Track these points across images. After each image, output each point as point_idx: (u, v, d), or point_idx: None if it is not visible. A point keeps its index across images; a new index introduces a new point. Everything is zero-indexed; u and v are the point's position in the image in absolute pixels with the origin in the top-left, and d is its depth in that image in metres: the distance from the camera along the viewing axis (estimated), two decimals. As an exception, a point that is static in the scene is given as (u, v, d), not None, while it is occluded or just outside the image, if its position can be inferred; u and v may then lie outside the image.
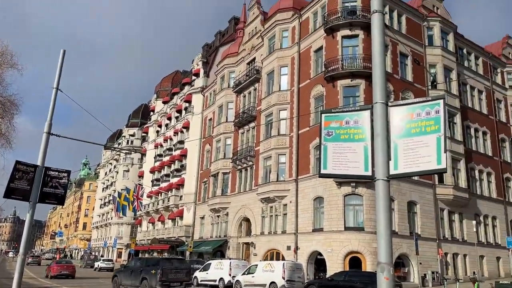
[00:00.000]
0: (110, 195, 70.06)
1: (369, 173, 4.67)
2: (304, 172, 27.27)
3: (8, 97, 24.70)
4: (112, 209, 60.35)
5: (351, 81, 25.49)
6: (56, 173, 9.48)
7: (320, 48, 28.12)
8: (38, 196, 9.02)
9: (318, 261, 25.28)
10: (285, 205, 28.29)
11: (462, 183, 28.33)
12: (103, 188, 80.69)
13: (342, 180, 23.35)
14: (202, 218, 39.94)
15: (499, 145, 33.51)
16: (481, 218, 29.93)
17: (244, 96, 36.32)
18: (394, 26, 28.02)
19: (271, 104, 30.77)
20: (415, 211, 25.99)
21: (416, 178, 25.38)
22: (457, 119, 29.33)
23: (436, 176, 26.18)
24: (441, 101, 4.43)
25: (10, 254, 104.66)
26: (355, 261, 22.83)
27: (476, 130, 31.85)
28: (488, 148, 32.52)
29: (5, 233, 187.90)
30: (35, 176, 9.03)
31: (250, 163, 33.20)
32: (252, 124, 34.28)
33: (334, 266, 22.82)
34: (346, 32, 26.40)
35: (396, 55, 27.67)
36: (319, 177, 5.06)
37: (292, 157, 28.49)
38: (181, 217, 43.94)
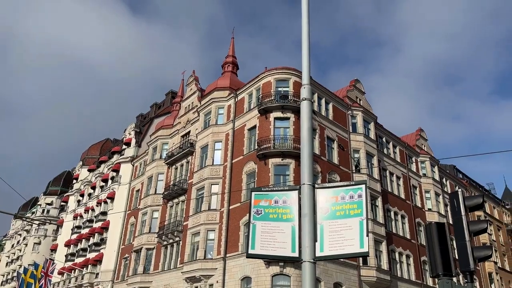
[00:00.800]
0: (15, 270, 61.97)
1: (296, 254, 4.66)
2: (233, 250, 26.57)
3: None
4: (15, 287, 53.14)
5: (282, 160, 26.42)
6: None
7: (254, 127, 29.20)
8: None
9: None
10: (211, 285, 26.91)
11: (384, 265, 29.25)
12: (7, 263, 71.34)
13: (271, 259, 22.98)
14: (119, 298, 36.44)
15: (416, 228, 35.69)
16: (402, 301, 30.64)
17: (176, 168, 35.80)
18: (322, 112, 30.23)
19: (203, 178, 30.54)
20: (341, 293, 25.98)
21: (341, 259, 25.77)
22: (379, 202, 31.10)
23: (360, 257, 26.82)
24: (363, 186, 4.69)
25: None
26: None
27: (395, 214, 33.84)
28: (406, 231, 34.44)
29: None
30: None
31: (177, 238, 31.77)
32: (182, 198, 33.44)
33: None
34: (279, 114, 27.91)
35: (324, 138, 29.51)
36: (247, 257, 4.94)
37: (222, 234, 27.81)
38: (95, 298, 39.70)
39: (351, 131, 32.22)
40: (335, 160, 29.84)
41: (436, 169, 41.14)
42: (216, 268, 26.90)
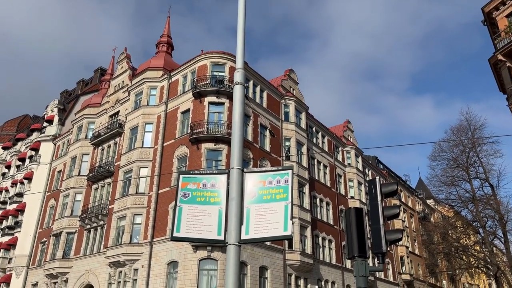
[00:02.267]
0: None
1: (222, 237, 4.69)
2: (161, 234, 26.13)
3: None
4: None
5: (215, 145, 26.33)
6: None
7: (187, 111, 28.69)
8: None
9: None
10: (136, 270, 26.29)
11: (308, 249, 30.61)
12: None
13: (198, 244, 22.99)
14: (35, 285, 34.28)
15: (339, 215, 37.73)
16: (323, 283, 32.38)
17: (103, 150, 34.15)
18: (256, 99, 30.50)
19: (131, 160, 29.49)
20: (266, 276, 26.81)
21: (268, 243, 26.53)
22: (306, 189, 32.33)
23: (286, 242, 27.81)
24: (290, 171, 4.82)
25: None
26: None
27: (321, 200, 35.44)
28: (330, 217, 36.28)
29: None
30: None
31: (101, 222, 30.50)
32: (108, 180, 32.06)
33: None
34: (213, 98, 27.67)
35: (257, 125, 29.86)
36: (171, 240, 4.88)
37: (149, 218, 27.19)
38: (8, 284, 36.95)
39: (283, 119, 32.95)
40: (267, 147, 30.39)
41: (360, 159, 43.64)
42: (142, 253, 26.31)
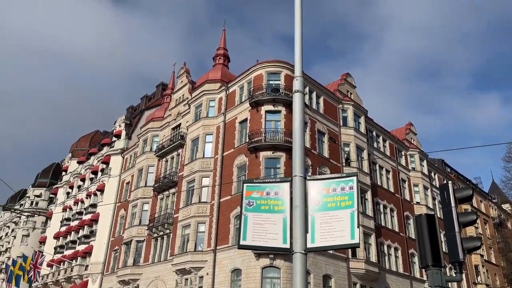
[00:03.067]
0: (3, 262, 61.43)
1: (287, 245, 4.70)
2: (223, 242, 26.64)
3: None
4: (4, 279, 52.70)
5: (273, 153, 26.47)
6: None
7: (245, 120, 29.17)
8: None
9: None
10: (201, 277, 26.99)
11: (373, 257, 29.59)
12: (-6, 255, 70.74)
13: (261, 251, 23.14)
14: (109, 291, 36.37)
15: (404, 221, 36.12)
16: (390, 292, 31.10)
17: (167, 161, 35.67)
18: (313, 105, 30.29)
19: (194, 171, 30.48)
20: (330, 285, 26.27)
21: (331, 251, 26.04)
22: (368, 195, 31.37)
23: (349, 250, 27.11)
24: (355, 178, 4.74)
25: None
26: None
27: (384, 207, 34.18)
28: (395, 224, 34.84)
29: None
30: None
31: (168, 231, 31.74)
32: (172, 190, 33.37)
33: None
34: (270, 107, 27.90)
35: (315, 132, 29.59)
36: (238, 248, 4.98)
37: (212, 226, 27.86)
38: (85, 290, 39.55)
39: (341, 124, 32.36)
40: (326, 153, 29.98)
41: (425, 163, 41.59)
42: (207, 260, 26.97)
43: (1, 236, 71.36)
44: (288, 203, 4.87)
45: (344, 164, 30.77)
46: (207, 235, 27.86)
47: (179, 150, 34.26)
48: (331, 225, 4.55)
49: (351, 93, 35.63)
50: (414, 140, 42.98)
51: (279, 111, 27.79)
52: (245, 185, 5.18)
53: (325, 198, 4.71)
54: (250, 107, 28.68)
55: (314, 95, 30.83)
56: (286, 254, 23.02)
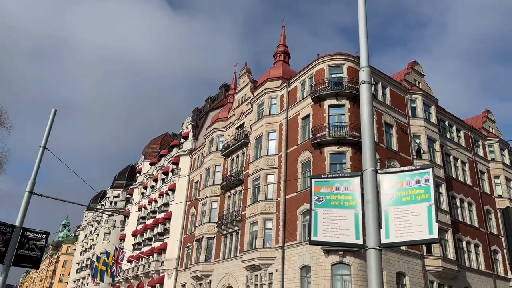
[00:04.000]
0: (88, 258, 66.81)
1: (360, 241, 4.59)
2: (291, 239, 26.67)
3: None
4: (89, 274, 57.34)
5: (338, 148, 25.94)
6: (34, 234, 9.09)
7: (308, 116, 28.90)
8: (13, 258, 8.55)
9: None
10: (271, 273, 27.25)
11: (451, 254, 27.91)
12: (81, 251, 77.11)
13: (330, 248, 22.83)
14: (184, 286, 38.04)
15: (485, 216, 33.60)
16: (472, 292, 29.15)
17: (232, 160, 36.47)
18: (379, 97, 29.20)
19: (258, 168, 30.85)
20: (404, 283, 25.22)
21: (404, 248, 24.99)
22: (443, 189, 29.62)
23: (424, 246, 25.81)
24: (430, 170, 4.50)
25: None
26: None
27: (461, 201, 32.07)
28: (474, 219, 32.54)
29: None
30: (12, 237, 8.62)
31: (236, 228, 32.46)
32: (239, 188, 34.06)
33: None
34: (333, 101, 27.36)
35: (382, 124, 28.52)
36: (309, 244, 4.94)
37: (279, 223, 28.00)
38: (161, 284, 41.77)
39: (410, 115, 30.87)
40: (394, 146, 28.78)
41: (506, 152, 38.34)
42: (275, 257, 27.17)
43: (86, 234, 77.65)
44: (359, 198, 4.74)
45: (415, 157, 29.34)
46: (275, 232, 28.05)
47: (244, 148, 34.86)
48: (406, 220, 4.36)
49: (419, 82, 33.83)
50: (492, 129, 39.79)
51: (342, 105, 27.16)
52: (313, 180, 5.13)
53: (399, 192, 4.52)
54: (313, 103, 28.36)
55: (379, 86, 29.73)
56: (356, 250, 22.52)
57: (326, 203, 4.92)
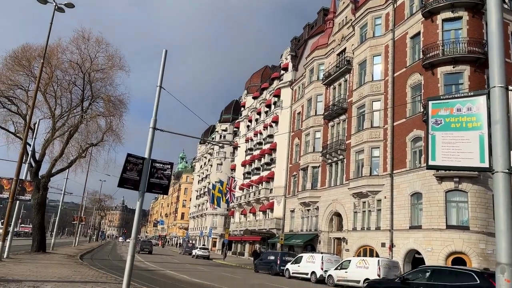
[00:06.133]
0: (205, 187, 74.02)
1: (486, 164, 4.26)
2: (400, 166, 25.86)
3: (118, 97, 27.37)
4: (207, 200, 63.78)
5: (453, 67, 23.45)
6: (161, 165, 10.23)
7: (418, 34, 26.31)
8: (146, 185, 9.84)
9: (415, 260, 23.86)
10: (379, 200, 27.15)
11: None
12: (198, 181, 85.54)
13: (443, 174, 21.71)
14: (292, 211, 40.18)
15: None
16: None
17: (334, 88, 35.57)
18: (504, 4, 25.06)
19: (363, 95, 29.68)
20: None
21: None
22: None
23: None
24: None
25: (120, 239, 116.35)
26: (458, 262, 21.08)
27: None
28: None
29: (115, 219, 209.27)
30: (143, 168, 9.85)
31: (341, 157, 32.46)
32: (342, 117, 33.46)
33: (434, 266, 21.30)
34: (448, 14, 24.30)
35: (508, 36, 24.74)
36: (427, 168, 4.76)
37: (387, 151, 27.20)
38: (272, 210, 44.72)
39: (546, 22, 26.09)
40: (524, 60, 24.98)
41: None
42: (383, 184, 26.83)
43: (201, 165, 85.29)
44: (485, 119, 4.32)
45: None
46: (382, 160, 27.42)
47: (346, 75, 33.57)
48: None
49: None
50: None
51: (459, 18, 23.99)
52: (430, 102, 4.78)
53: (535, 110, 3.99)
54: (423, 18, 25.56)
55: (505, -10, 25.36)
56: (474, 177, 21.08)
57: (446, 126, 4.59)
